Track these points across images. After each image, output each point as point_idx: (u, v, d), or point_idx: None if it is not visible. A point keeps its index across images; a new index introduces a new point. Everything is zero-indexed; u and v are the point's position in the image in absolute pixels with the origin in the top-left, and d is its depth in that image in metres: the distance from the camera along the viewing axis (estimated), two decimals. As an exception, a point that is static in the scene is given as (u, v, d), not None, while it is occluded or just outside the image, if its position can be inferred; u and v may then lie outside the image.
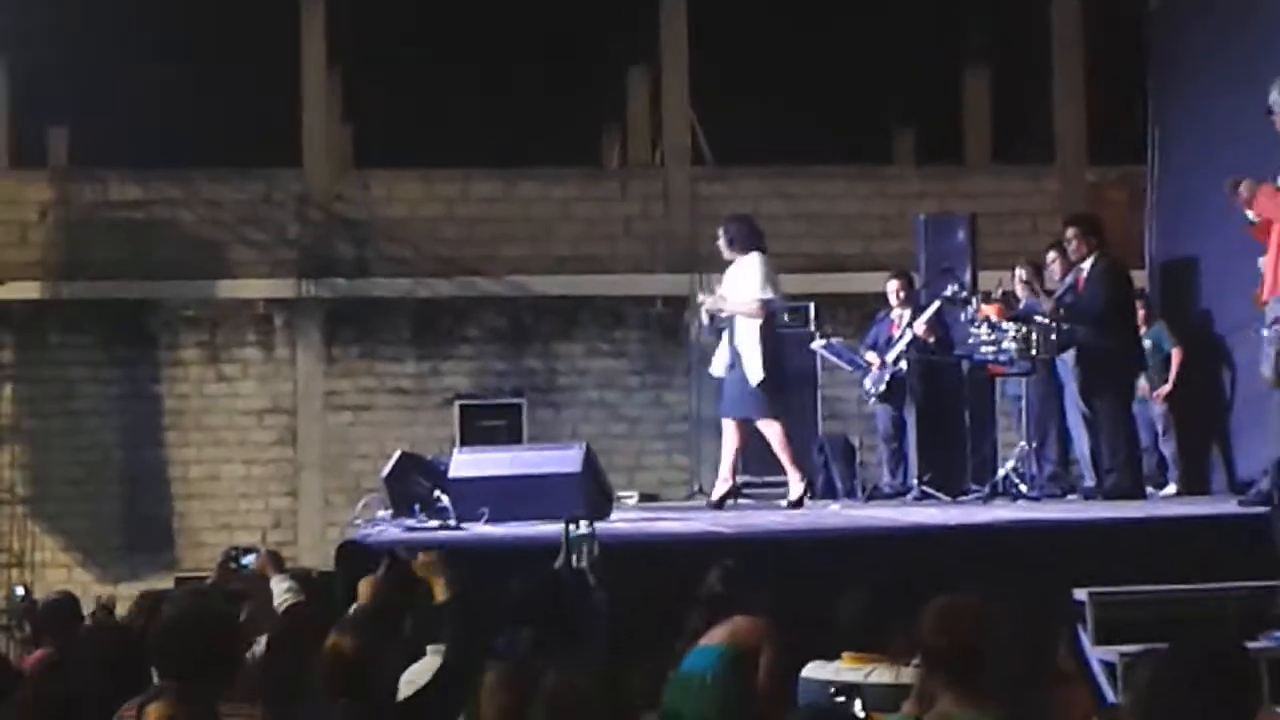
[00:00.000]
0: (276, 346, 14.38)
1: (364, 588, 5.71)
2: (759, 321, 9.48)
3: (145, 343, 14.29)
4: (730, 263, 9.74)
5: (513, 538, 7.95)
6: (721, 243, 9.73)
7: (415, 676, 5.14)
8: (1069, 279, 10.03)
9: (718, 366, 9.80)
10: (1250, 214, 8.13)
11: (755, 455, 12.60)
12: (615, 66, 15.86)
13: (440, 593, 5.12)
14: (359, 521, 9.83)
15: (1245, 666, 4.15)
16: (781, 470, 11.45)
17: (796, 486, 9.76)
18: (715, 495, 9.99)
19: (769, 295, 9.54)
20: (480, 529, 8.34)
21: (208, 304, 14.33)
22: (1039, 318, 9.81)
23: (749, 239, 9.69)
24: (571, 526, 6.23)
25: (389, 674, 4.80)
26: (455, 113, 15.20)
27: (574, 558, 6.11)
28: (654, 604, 5.97)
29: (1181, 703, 4.10)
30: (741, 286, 9.60)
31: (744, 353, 9.53)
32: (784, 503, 9.90)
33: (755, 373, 9.48)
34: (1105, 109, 14.81)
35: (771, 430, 9.63)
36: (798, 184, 14.73)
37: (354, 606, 5.75)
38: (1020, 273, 10.74)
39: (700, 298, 10.05)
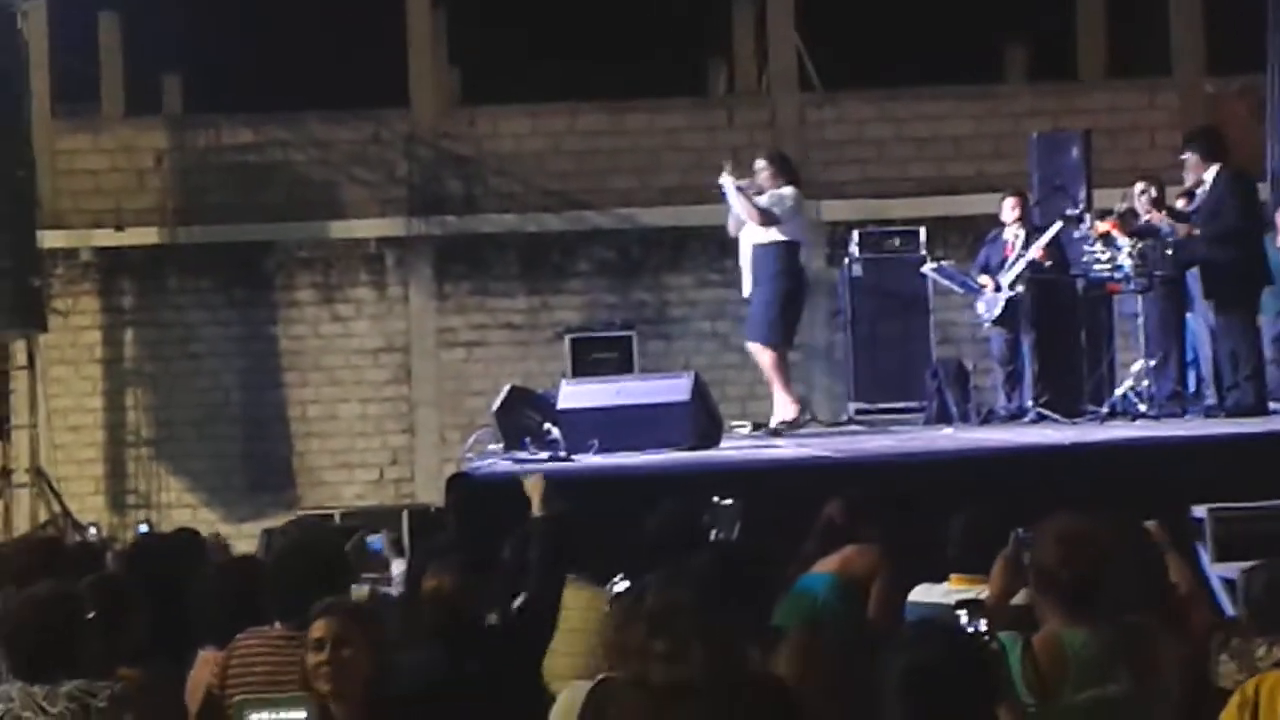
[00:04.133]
0: (389, 285, 14.49)
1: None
2: (765, 238, 9.83)
3: (261, 285, 14.48)
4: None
5: (622, 467, 7.97)
6: (764, 176, 9.92)
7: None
8: (1199, 194, 9.81)
9: (745, 287, 10.19)
10: None
11: (868, 381, 12.57)
12: (720, -6, 15.69)
13: (536, 509, 5.18)
14: (470, 455, 9.91)
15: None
16: (898, 397, 11.45)
17: (787, 410, 10.01)
18: (781, 420, 10.06)
19: (779, 210, 9.85)
20: (590, 459, 8.37)
21: (321, 244, 14.47)
22: (1164, 231, 9.62)
23: (786, 173, 10.11)
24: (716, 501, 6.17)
25: (489, 603, 4.84)
26: (560, 46, 15.15)
27: (716, 531, 6.05)
28: (767, 530, 5.95)
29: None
30: (765, 201, 9.87)
31: (744, 274, 10.03)
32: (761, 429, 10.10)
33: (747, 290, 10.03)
34: (1224, 17, 14.38)
35: (763, 357, 9.76)
36: (906, 106, 14.51)
37: None
38: (1140, 188, 10.48)
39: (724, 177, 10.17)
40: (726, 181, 10.06)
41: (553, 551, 5.11)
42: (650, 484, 7.23)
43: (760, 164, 10.17)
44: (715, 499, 6.03)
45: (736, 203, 10.01)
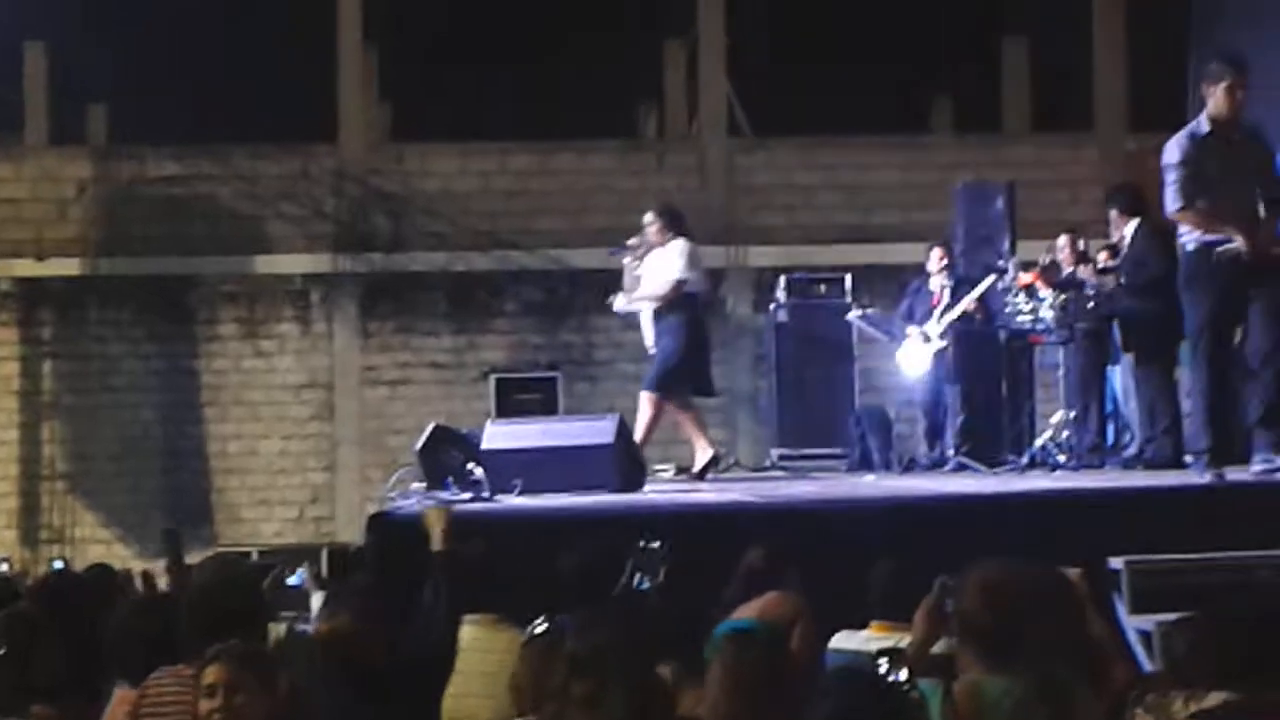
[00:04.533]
0: (313, 321, 14.40)
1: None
2: (668, 301, 9.75)
3: (184, 319, 14.35)
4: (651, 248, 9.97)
5: (545, 509, 7.94)
6: (653, 230, 9.88)
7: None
8: (1120, 251, 9.95)
9: (648, 342, 10.12)
10: None
11: (792, 427, 12.63)
12: (652, 38, 15.79)
13: (435, 543, 5.05)
14: (392, 495, 9.83)
15: (1275, 632, 4.11)
16: (821, 444, 11.46)
17: (703, 454, 9.99)
18: (696, 467, 10.07)
19: (685, 276, 9.71)
20: (514, 500, 8.33)
21: (245, 279, 14.36)
22: (1087, 284, 9.75)
23: (675, 225, 9.87)
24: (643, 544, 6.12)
25: (389, 645, 4.76)
26: (491, 86, 15.18)
27: (638, 576, 6.01)
28: (689, 574, 5.93)
29: (1220, 667, 4.06)
30: (662, 269, 9.79)
31: (645, 329, 9.93)
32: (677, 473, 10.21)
33: (650, 346, 9.91)
34: (1146, 75, 14.64)
35: (645, 407, 9.72)
36: (834, 154, 14.65)
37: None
38: (1062, 242, 10.61)
39: (613, 299, 10.15)
40: (620, 305, 10.06)
41: (453, 590, 4.99)
42: (573, 526, 7.20)
43: (649, 218, 10.08)
44: (641, 542, 6.01)
45: (640, 307, 9.98)
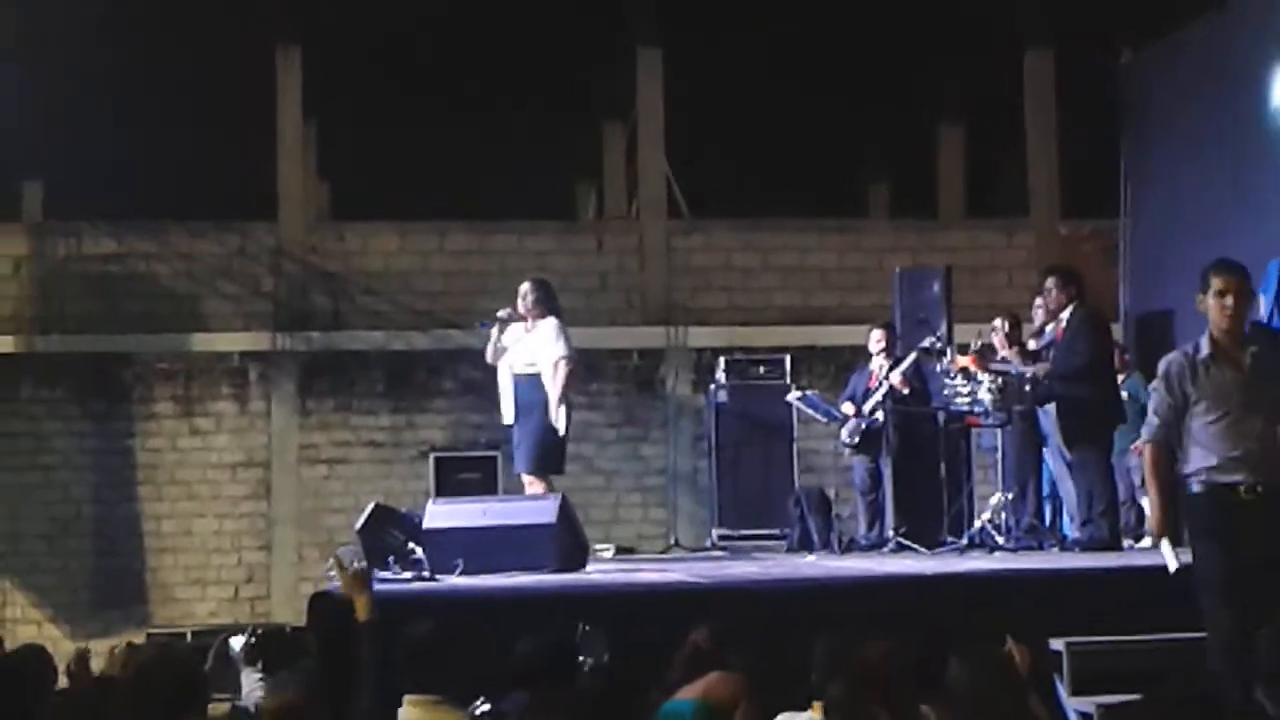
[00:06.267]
0: (251, 400, 14.31)
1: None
2: (563, 378, 9.80)
3: (119, 396, 14.21)
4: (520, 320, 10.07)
5: (490, 589, 7.91)
6: (524, 305, 9.94)
7: None
8: (1049, 330, 10.06)
9: (505, 415, 10.09)
10: None
11: (732, 507, 12.66)
12: (591, 120, 15.92)
13: (361, 613, 5.01)
14: (332, 574, 9.75)
15: (1218, 715, 4.15)
16: (760, 524, 11.49)
17: None
18: None
19: (568, 353, 9.88)
20: (456, 580, 8.29)
21: (182, 357, 14.26)
22: (1015, 370, 9.87)
23: (548, 302, 9.88)
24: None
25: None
26: (431, 166, 15.24)
27: (582, 659, 6.00)
28: (631, 655, 5.93)
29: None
30: (544, 348, 9.87)
31: (505, 402, 9.95)
32: None
33: (560, 426, 9.86)
34: (1078, 163, 14.90)
35: (535, 489, 9.78)
36: (772, 237, 14.77)
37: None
38: (998, 324, 10.76)
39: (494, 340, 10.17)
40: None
41: (381, 660, 4.95)
42: (516, 607, 7.19)
43: (525, 290, 10.16)
44: (583, 625, 6.00)
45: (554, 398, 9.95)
